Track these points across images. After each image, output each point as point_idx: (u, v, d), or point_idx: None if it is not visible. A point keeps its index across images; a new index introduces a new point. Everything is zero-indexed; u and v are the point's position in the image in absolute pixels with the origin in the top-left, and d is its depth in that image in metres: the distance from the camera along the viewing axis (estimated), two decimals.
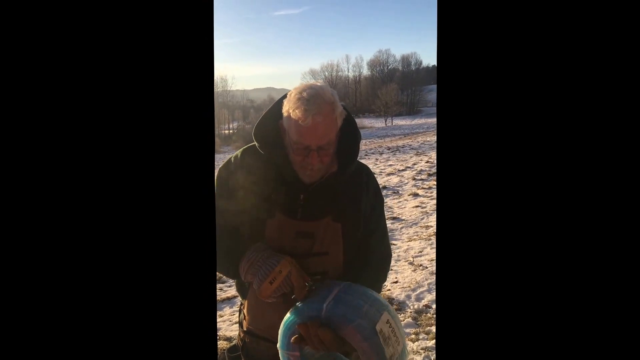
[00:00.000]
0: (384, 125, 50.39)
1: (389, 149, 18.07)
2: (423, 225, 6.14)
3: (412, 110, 65.92)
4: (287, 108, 1.19)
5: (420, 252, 4.99)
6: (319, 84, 1.23)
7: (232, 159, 1.36)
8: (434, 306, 3.63)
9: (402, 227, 6.12)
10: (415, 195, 8.06)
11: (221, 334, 3.39)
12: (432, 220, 6.28)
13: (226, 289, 4.30)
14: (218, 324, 3.55)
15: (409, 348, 2.93)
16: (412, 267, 4.52)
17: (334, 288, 1.16)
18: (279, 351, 1.18)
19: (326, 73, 77.90)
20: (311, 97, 1.16)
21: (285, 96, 1.24)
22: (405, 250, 5.09)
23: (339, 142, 1.27)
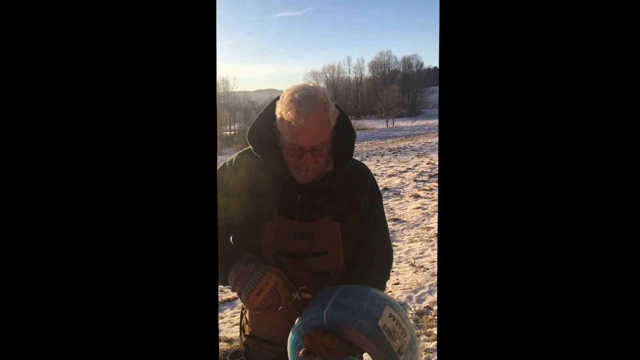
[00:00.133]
0: (385, 126, 50.40)
1: (390, 150, 18.07)
2: (424, 226, 6.14)
3: (413, 111, 65.91)
4: (280, 110, 1.20)
5: (422, 253, 4.98)
6: (311, 84, 1.24)
7: (227, 163, 1.37)
8: (435, 308, 3.62)
9: (403, 229, 6.12)
10: (417, 196, 8.05)
11: (222, 335, 3.39)
12: (433, 222, 6.27)
13: (227, 291, 4.30)
14: (219, 325, 3.54)
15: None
16: (413, 269, 4.52)
17: (332, 294, 1.16)
18: None
19: (328, 74, 78.01)
20: (303, 98, 1.16)
21: (278, 98, 1.24)
22: (407, 252, 5.08)
23: (334, 142, 1.27)
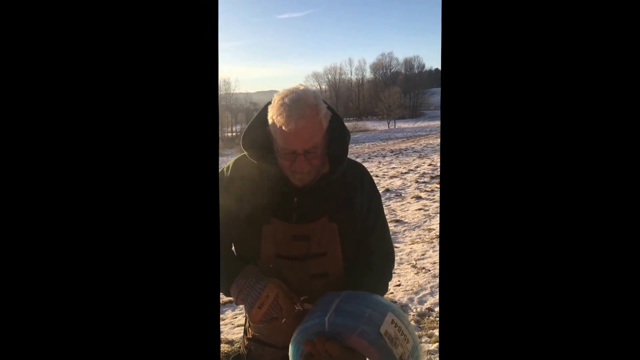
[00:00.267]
0: (386, 128, 50.40)
1: (391, 151, 18.06)
2: (426, 228, 6.13)
3: (414, 113, 65.91)
4: (271, 115, 1.20)
5: (423, 254, 4.98)
6: (301, 87, 1.24)
7: (225, 169, 1.37)
8: (436, 309, 3.62)
9: (404, 230, 6.11)
10: (418, 198, 8.05)
11: (223, 337, 3.39)
12: (435, 223, 6.27)
13: None
14: (220, 327, 3.54)
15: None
16: (414, 270, 4.51)
17: (335, 300, 1.16)
18: None
19: (329, 76, 78.06)
20: (293, 102, 1.17)
21: (270, 103, 1.25)
22: (408, 253, 5.08)
23: (328, 143, 1.27)
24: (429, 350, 3.01)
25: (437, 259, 4.71)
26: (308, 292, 1.26)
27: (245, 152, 1.33)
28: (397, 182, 9.81)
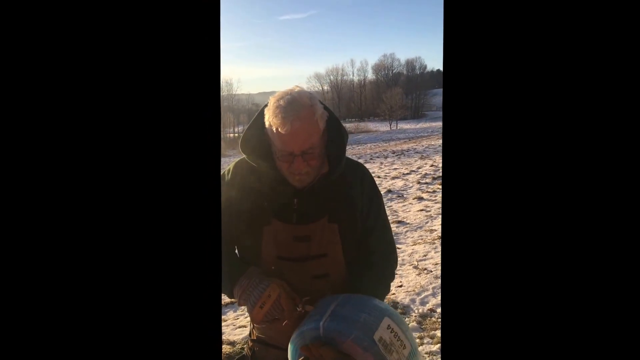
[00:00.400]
0: (388, 129, 50.37)
1: (393, 152, 18.05)
2: (427, 228, 6.13)
3: (416, 114, 65.88)
4: (268, 117, 1.21)
5: (425, 255, 4.97)
6: (296, 89, 1.24)
7: (226, 172, 1.38)
8: (438, 310, 3.61)
9: (406, 231, 6.11)
10: (420, 199, 8.04)
11: (225, 338, 3.39)
12: (437, 224, 6.26)
13: None
14: (222, 328, 3.55)
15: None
16: (416, 271, 4.51)
17: (332, 304, 1.16)
18: None
19: (331, 77, 78.06)
20: (288, 104, 1.17)
21: (267, 105, 1.25)
22: (410, 254, 5.07)
23: (326, 144, 1.27)
24: (431, 352, 3.00)
25: (439, 260, 4.70)
26: (309, 293, 1.26)
27: (244, 156, 1.33)
28: (399, 183, 9.80)
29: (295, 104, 1.18)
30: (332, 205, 1.31)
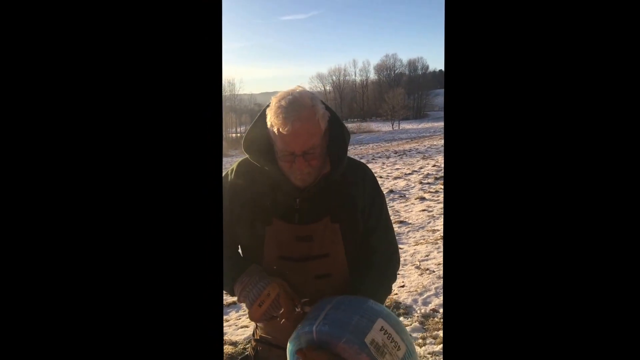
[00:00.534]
0: (390, 129, 50.36)
1: (395, 152, 18.04)
2: (430, 229, 6.12)
3: (418, 114, 65.85)
4: (269, 117, 1.21)
5: (427, 256, 4.97)
6: (298, 89, 1.25)
7: (229, 172, 1.39)
8: (441, 310, 3.61)
9: (408, 231, 6.10)
10: (422, 199, 8.03)
11: (227, 338, 3.39)
12: (439, 224, 6.26)
13: None
14: (224, 328, 3.55)
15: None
16: (418, 271, 4.50)
17: (326, 306, 1.16)
18: None
19: (334, 77, 78.10)
20: (289, 104, 1.18)
21: (269, 106, 1.26)
22: (412, 254, 5.07)
23: (328, 144, 1.27)
24: (433, 352, 3.00)
25: (441, 260, 4.70)
26: (312, 293, 1.27)
27: (247, 155, 1.34)
28: (401, 183, 9.80)
29: (296, 104, 1.18)
30: (334, 205, 1.31)
